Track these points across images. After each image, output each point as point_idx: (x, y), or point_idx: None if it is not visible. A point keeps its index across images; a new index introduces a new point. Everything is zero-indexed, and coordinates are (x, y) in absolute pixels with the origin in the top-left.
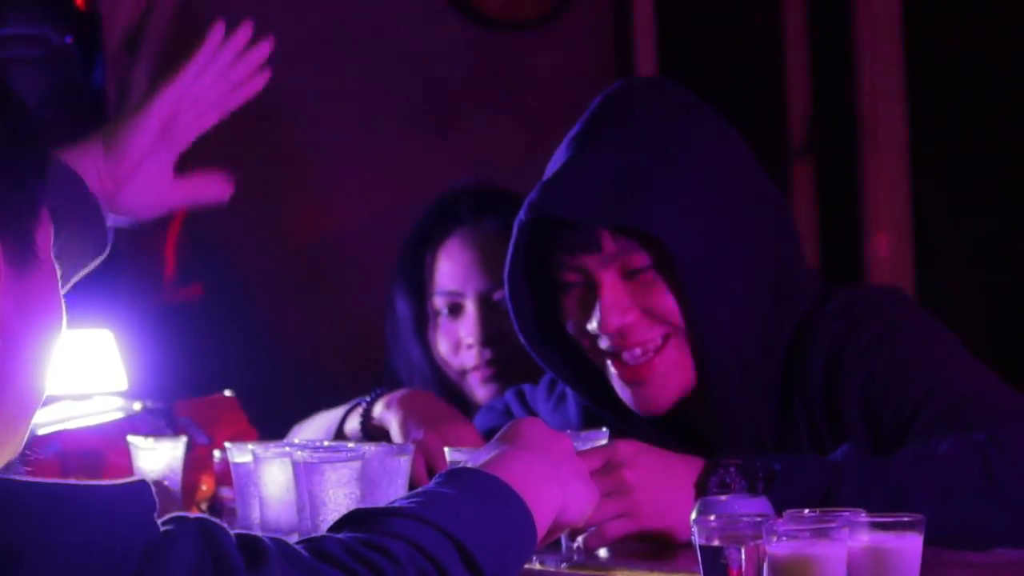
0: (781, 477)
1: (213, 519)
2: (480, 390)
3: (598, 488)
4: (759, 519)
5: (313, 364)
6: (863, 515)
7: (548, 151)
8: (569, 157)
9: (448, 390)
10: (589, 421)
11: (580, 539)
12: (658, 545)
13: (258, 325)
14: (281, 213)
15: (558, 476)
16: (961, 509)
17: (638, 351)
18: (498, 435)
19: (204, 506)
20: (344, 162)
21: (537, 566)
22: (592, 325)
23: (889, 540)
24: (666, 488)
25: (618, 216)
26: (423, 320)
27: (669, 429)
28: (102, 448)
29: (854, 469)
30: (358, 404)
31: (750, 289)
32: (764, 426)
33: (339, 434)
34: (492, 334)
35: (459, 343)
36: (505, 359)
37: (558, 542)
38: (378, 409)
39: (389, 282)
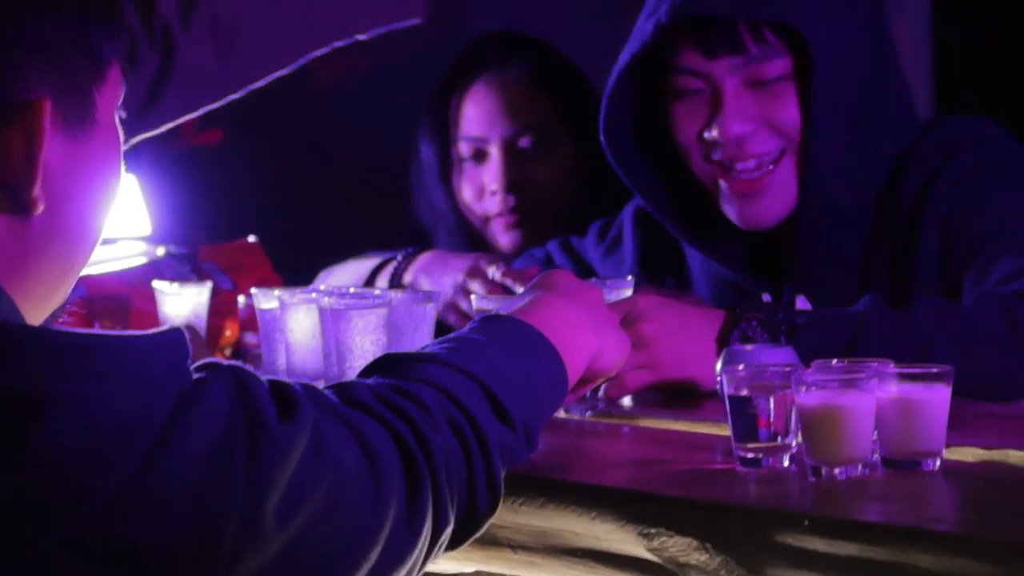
0: (804, 329)
1: (245, 366)
2: (503, 236)
3: None
4: (788, 369)
5: (337, 209)
6: (891, 366)
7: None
8: None
9: (472, 237)
10: (646, 265)
11: (602, 389)
12: (681, 395)
13: (282, 169)
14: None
15: (593, 322)
16: (986, 360)
17: (752, 163)
18: (531, 284)
19: (228, 351)
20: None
21: (562, 414)
22: (712, 133)
23: (917, 391)
24: (685, 339)
25: (770, 10)
26: (447, 166)
27: (751, 254)
28: (128, 293)
29: (878, 320)
30: (388, 261)
31: (866, 110)
32: (848, 254)
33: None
34: (516, 180)
35: (483, 189)
36: (528, 206)
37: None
38: (408, 275)
39: (414, 127)
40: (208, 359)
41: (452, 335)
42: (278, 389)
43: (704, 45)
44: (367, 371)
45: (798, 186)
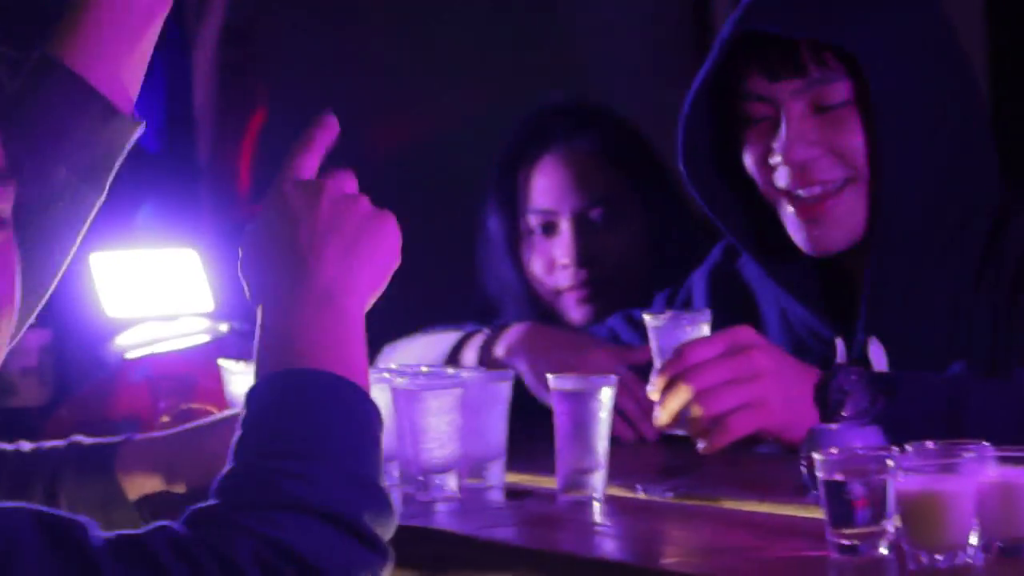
0: (902, 390)
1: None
2: (575, 311)
3: (723, 373)
4: (884, 452)
5: (401, 281)
6: (990, 448)
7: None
8: None
9: (541, 310)
10: (720, 326)
11: (702, 444)
12: (764, 468)
13: None
14: (362, 123)
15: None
16: None
17: (817, 189)
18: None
19: None
20: (425, 72)
21: (641, 495)
22: (776, 158)
23: (1019, 475)
24: (794, 378)
25: (826, 31)
26: (516, 238)
27: (824, 284)
28: (192, 372)
29: (979, 388)
30: (471, 334)
31: (941, 146)
32: (931, 301)
33: (449, 365)
34: (587, 254)
35: (553, 263)
36: (600, 280)
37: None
38: (500, 349)
39: (481, 199)
40: None
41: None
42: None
43: (767, 68)
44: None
45: (866, 216)
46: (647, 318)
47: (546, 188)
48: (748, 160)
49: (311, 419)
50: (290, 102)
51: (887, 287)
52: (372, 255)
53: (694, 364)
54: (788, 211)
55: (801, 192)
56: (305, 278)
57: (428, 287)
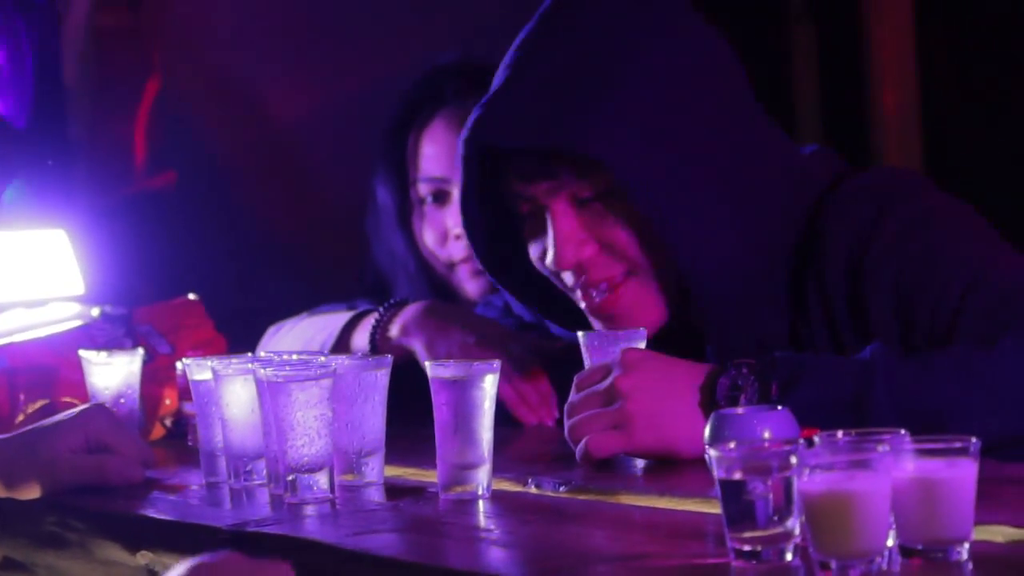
0: (803, 380)
1: None
2: (469, 283)
3: (592, 403)
4: (787, 448)
5: (290, 259)
6: (907, 439)
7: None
8: (506, 77)
9: (435, 285)
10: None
11: (577, 451)
12: (663, 463)
13: (230, 218)
14: (257, 95)
15: None
16: (1013, 422)
17: (603, 286)
18: None
19: (168, 422)
20: (323, 36)
21: (533, 489)
22: (548, 260)
23: (939, 468)
24: (664, 396)
25: (553, 138)
26: (407, 209)
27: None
28: (55, 363)
29: (888, 371)
30: (362, 314)
31: (726, 196)
32: (773, 334)
33: (339, 348)
34: None
35: (446, 233)
36: None
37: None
38: (395, 330)
39: (370, 169)
40: None
41: None
42: None
43: (518, 169)
44: None
45: (664, 298)
46: (580, 335)
47: (436, 154)
48: (532, 256)
49: None
50: (186, 70)
51: (730, 341)
52: None
53: (577, 393)
54: (583, 305)
55: (590, 291)
56: None
57: (318, 263)
